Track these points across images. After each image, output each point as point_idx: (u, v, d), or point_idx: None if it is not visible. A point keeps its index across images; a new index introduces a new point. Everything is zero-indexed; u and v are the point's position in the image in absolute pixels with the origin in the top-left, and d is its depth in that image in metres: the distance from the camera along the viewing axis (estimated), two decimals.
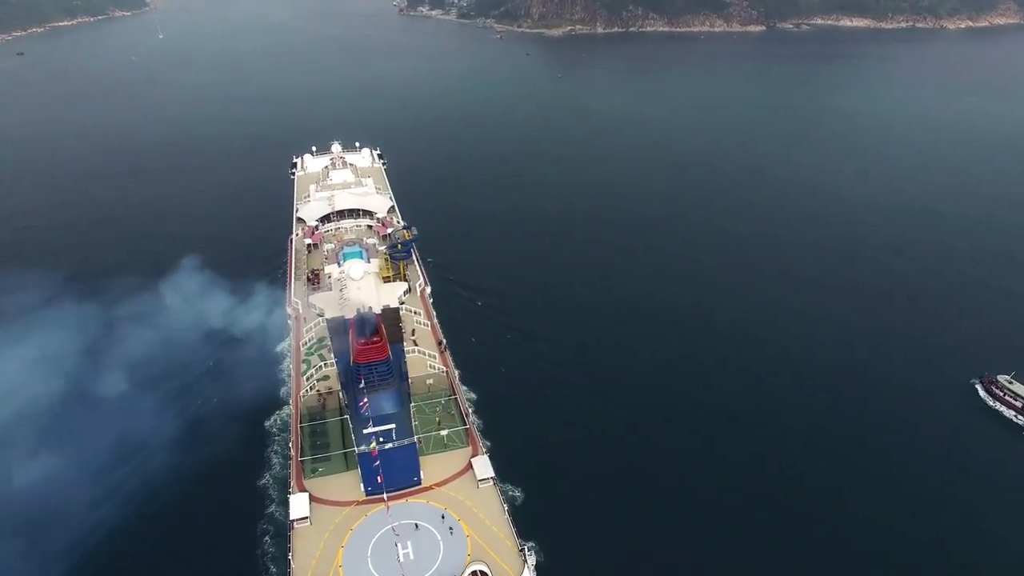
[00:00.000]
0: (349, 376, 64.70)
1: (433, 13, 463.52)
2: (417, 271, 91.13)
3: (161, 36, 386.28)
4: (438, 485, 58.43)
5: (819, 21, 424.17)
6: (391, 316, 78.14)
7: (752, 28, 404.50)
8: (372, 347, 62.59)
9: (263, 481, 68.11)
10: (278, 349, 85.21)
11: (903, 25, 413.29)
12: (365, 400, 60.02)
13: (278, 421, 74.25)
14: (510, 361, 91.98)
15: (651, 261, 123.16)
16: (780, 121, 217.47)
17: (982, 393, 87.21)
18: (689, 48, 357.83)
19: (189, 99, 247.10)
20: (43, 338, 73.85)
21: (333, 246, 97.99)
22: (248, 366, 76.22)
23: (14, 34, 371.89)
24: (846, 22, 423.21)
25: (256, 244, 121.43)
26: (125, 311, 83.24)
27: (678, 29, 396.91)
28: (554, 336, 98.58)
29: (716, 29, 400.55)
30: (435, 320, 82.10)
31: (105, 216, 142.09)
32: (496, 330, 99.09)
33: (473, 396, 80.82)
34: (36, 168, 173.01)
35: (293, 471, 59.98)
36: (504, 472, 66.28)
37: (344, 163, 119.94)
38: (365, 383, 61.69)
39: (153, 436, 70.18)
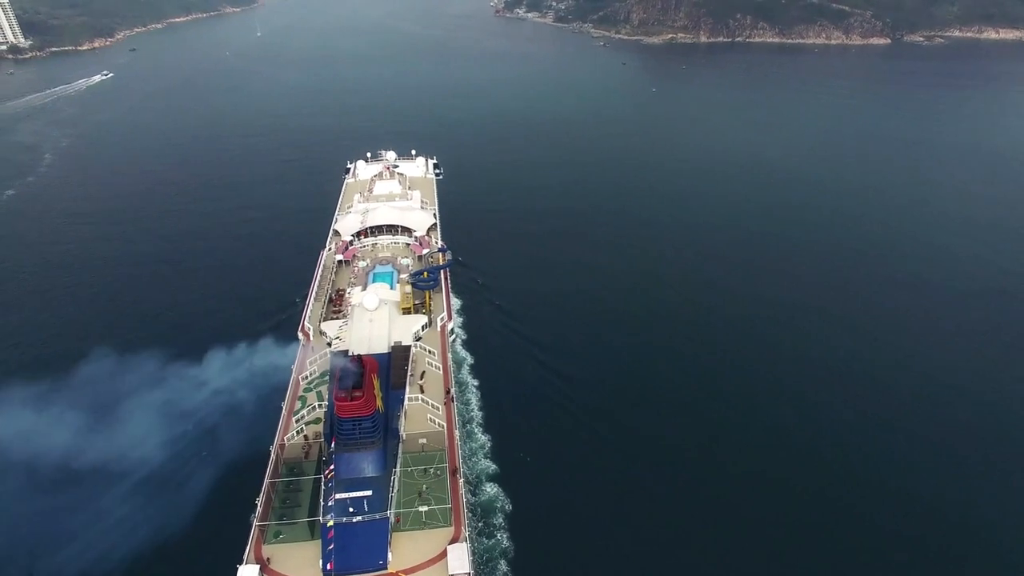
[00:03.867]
0: (334, 428, 57.14)
1: (529, 16, 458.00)
2: (442, 302, 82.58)
3: (259, 34, 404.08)
4: (405, 573, 49.57)
5: (956, 33, 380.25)
6: (400, 356, 70.06)
7: (875, 41, 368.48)
8: (354, 403, 54.60)
9: None
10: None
11: None
12: (331, 468, 52.03)
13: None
14: (547, 415, 78.38)
15: (751, 314, 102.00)
16: (909, 157, 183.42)
17: None
18: (801, 63, 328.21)
19: (270, 97, 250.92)
20: None
21: (366, 264, 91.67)
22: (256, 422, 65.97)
23: (136, 30, 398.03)
24: (990, 34, 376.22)
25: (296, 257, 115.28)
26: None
27: (789, 40, 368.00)
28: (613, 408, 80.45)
29: (833, 42, 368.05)
30: (450, 363, 73.14)
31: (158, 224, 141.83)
32: (537, 370, 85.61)
33: (483, 445, 70.62)
34: (116, 160, 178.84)
35: (252, 534, 52.91)
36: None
37: (392, 173, 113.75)
38: (337, 444, 53.62)
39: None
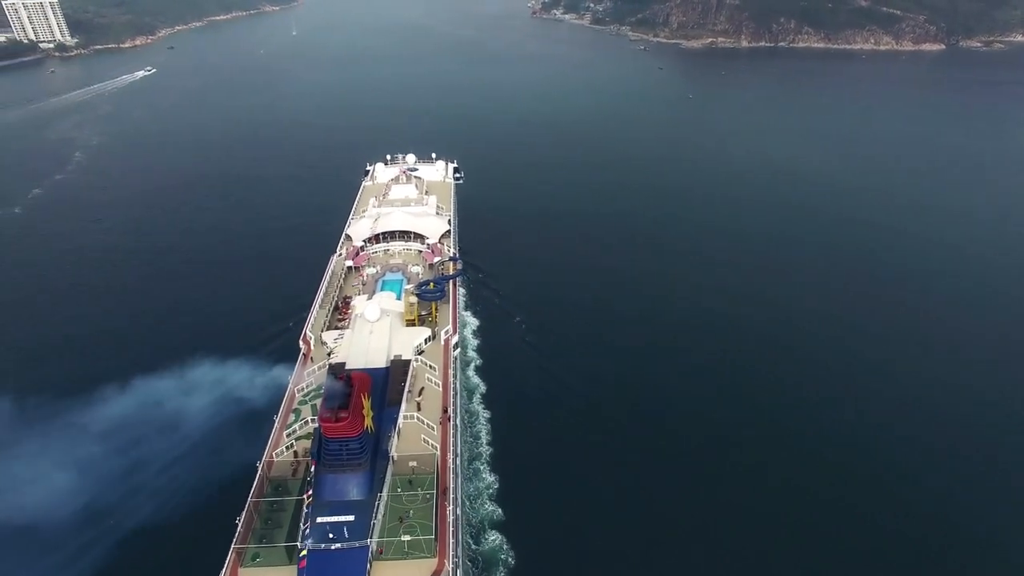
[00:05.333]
0: (320, 447, 54.13)
1: (566, 17, 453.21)
2: (448, 314, 78.97)
3: (294, 33, 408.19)
4: None
5: (1019, 38, 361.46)
6: (398, 371, 67.09)
7: (927, 47, 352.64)
8: (338, 424, 51.44)
9: None
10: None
11: None
12: (310, 492, 48.97)
13: None
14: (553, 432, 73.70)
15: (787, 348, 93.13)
16: (965, 169, 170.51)
17: None
18: (846, 70, 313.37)
19: (299, 97, 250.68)
20: None
21: (375, 271, 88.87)
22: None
23: (177, 28, 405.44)
24: None
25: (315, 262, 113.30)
26: None
27: (835, 46, 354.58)
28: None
29: (882, 47, 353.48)
30: (451, 378, 69.46)
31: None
32: (560, 402, 78.01)
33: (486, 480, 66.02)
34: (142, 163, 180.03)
35: (229, 557, 50.19)
36: None
37: (409, 177, 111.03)
38: (321, 464, 50.66)
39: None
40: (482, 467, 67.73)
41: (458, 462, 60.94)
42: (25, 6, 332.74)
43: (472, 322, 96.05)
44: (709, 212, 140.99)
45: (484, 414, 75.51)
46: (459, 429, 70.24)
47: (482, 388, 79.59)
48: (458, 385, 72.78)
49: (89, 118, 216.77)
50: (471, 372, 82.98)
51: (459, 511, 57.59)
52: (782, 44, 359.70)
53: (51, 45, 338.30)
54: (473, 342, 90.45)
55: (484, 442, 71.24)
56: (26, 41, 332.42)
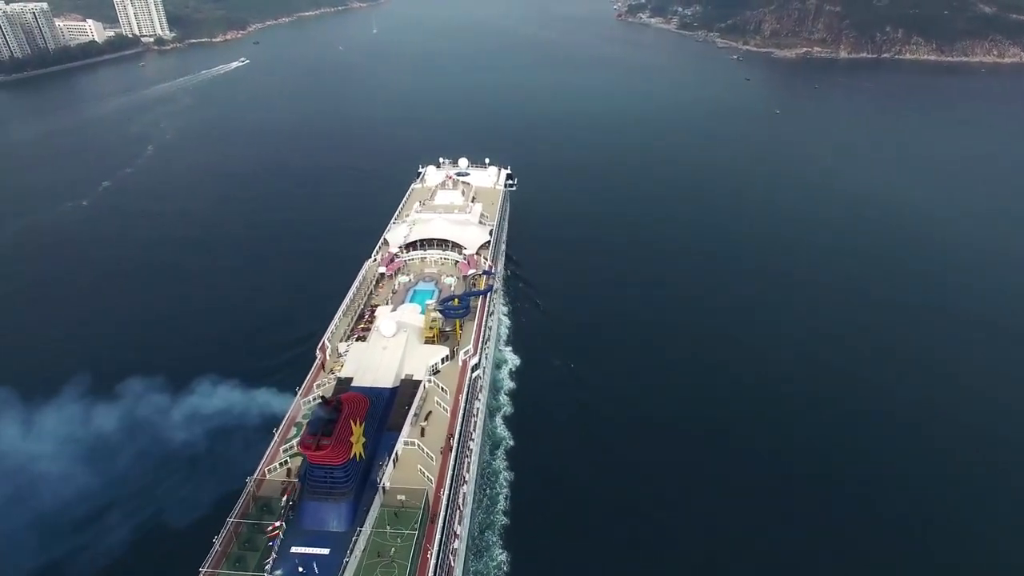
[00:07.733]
0: (306, 471, 50.45)
1: (652, 21, 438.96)
2: (471, 333, 73.69)
3: (375, 31, 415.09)
4: None
5: None
6: (406, 393, 62.38)
7: None
8: (320, 452, 47.43)
9: None
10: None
11: None
12: (276, 524, 45.17)
13: None
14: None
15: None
16: None
17: None
18: (965, 87, 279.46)
19: (369, 94, 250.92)
20: None
21: (408, 279, 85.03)
22: None
23: (267, 23, 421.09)
24: None
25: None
26: None
27: (949, 59, 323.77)
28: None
29: (1006, 60, 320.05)
30: (464, 404, 64.20)
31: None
32: (599, 470, 67.44)
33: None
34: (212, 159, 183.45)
35: None
36: None
37: (456, 183, 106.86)
38: (304, 490, 47.07)
39: None
40: (494, 540, 59.69)
41: (462, 491, 55.43)
42: (132, 2, 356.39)
43: (512, 359, 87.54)
44: (789, 240, 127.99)
45: (506, 475, 66.89)
46: (475, 461, 64.64)
47: (509, 442, 70.99)
48: (477, 407, 67.43)
49: (171, 110, 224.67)
50: (499, 421, 74.53)
51: (458, 545, 52.39)
52: (886, 55, 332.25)
53: (151, 39, 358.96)
54: (508, 384, 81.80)
55: (500, 510, 62.82)
56: (130, 36, 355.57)
